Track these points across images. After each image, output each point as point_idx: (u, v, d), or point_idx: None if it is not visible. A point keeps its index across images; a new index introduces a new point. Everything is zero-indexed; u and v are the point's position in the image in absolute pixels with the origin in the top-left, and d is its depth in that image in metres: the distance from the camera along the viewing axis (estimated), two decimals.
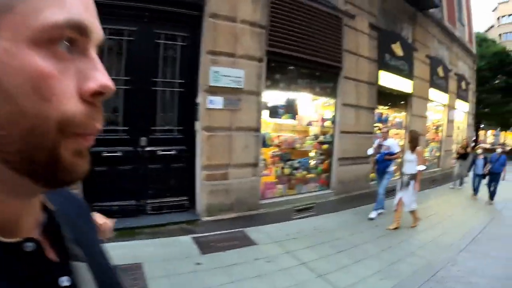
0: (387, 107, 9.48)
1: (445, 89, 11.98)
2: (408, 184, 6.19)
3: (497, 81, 32.65)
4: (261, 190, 6.05)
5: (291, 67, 6.49)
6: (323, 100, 7.44)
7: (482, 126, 55.03)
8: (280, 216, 6.08)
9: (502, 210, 8.94)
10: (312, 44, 6.45)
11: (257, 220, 5.77)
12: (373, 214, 6.77)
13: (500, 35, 52.88)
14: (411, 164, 6.17)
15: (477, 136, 41.09)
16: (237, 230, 5.40)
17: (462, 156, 11.19)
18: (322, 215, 6.66)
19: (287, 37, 6.03)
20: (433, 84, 11.02)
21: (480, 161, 9.89)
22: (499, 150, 9.86)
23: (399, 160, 7.00)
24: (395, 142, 7.13)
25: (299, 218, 6.35)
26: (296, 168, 6.79)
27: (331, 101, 7.36)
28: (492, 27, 59.76)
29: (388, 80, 8.55)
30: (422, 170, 6.25)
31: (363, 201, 7.40)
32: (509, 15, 56.92)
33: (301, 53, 6.28)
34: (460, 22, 14.99)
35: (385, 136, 7.04)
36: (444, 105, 12.52)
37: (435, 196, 9.87)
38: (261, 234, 5.39)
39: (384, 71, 8.33)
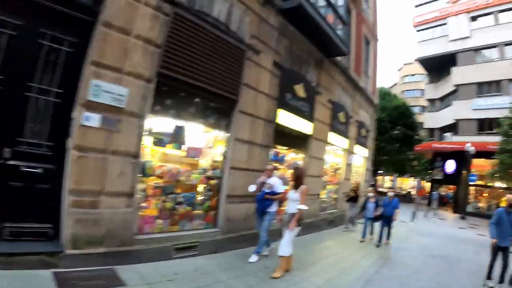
0: (285, 147, 9.73)
1: (345, 134, 12.92)
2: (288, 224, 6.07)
3: (396, 132, 36.32)
4: (137, 224, 5.59)
5: (184, 94, 6.29)
6: (216, 132, 7.28)
7: (381, 171, 60.27)
8: (158, 254, 5.68)
9: (396, 251, 9.60)
10: (210, 73, 6.43)
11: (131, 257, 5.29)
12: (253, 258, 6.56)
13: (402, 91, 59.55)
14: (294, 203, 6.08)
15: (375, 181, 44.83)
16: (106, 267, 4.88)
17: (352, 199, 11.85)
18: (205, 255, 6.38)
19: (183, 61, 5.90)
20: (334, 128, 11.79)
21: (370, 204, 10.58)
22: (390, 193, 10.60)
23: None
24: (279, 181, 6.99)
25: (180, 257, 5.98)
26: (179, 203, 6.42)
27: (224, 134, 7.27)
28: (396, 84, 67.11)
29: (287, 119, 8.85)
30: (303, 209, 6.06)
31: (252, 242, 7.23)
32: (412, 75, 64.45)
33: (196, 80, 6.18)
34: (366, 73, 16.43)
35: (269, 174, 6.90)
36: (344, 149, 13.43)
37: (330, 237, 10.31)
38: (134, 273, 4.93)
39: (283, 110, 8.60)
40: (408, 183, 61.99)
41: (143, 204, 5.84)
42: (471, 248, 12.11)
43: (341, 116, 12.38)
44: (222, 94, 6.79)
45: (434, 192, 30.81)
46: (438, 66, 36.37)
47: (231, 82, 6.95)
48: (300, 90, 9.21)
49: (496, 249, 6.89)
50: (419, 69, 55.49)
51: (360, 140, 15.15)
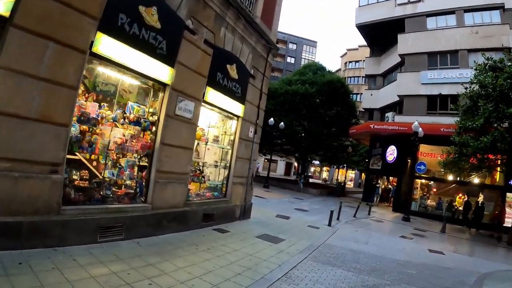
0: None
1: (159, 53, 6.03)
2: None
3: (329, 112, 29.74)
4: None
5: None
6: None
7: (317, 162, 54.80)
8: None
9: None
10: None
11: None
12: None
13: (345, 78, 54.50)
14: None
15: (304, 169, 38.39)
16: None
17: None
18: None
19: None
20: (110, 30, 4.96)
21: None
22: None
23: None
24: None
25: None
26: None
27: None
28: (340, 70, 62.71)
29: None
30: None
31: None
32: (356, 61, 59.88)
33: None
34: None
35: None
36: (158, 83, 6.61)
37: None
38: None
39: None
40: (348, 175, 57.17)
41: None
42: None
43: (147, 11, 5.64)
44: None
45: (377, 186, 26.00)
46: (381, 35, 30.01)
47: None
48: None
49: None
50: (363, 55, 50.58)
51: (222, 84, 8.40)
